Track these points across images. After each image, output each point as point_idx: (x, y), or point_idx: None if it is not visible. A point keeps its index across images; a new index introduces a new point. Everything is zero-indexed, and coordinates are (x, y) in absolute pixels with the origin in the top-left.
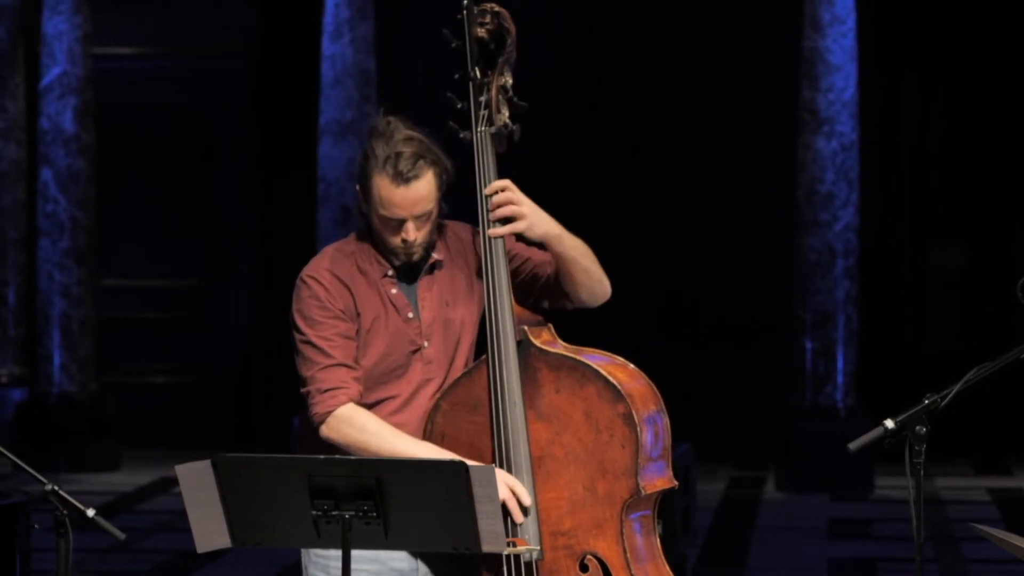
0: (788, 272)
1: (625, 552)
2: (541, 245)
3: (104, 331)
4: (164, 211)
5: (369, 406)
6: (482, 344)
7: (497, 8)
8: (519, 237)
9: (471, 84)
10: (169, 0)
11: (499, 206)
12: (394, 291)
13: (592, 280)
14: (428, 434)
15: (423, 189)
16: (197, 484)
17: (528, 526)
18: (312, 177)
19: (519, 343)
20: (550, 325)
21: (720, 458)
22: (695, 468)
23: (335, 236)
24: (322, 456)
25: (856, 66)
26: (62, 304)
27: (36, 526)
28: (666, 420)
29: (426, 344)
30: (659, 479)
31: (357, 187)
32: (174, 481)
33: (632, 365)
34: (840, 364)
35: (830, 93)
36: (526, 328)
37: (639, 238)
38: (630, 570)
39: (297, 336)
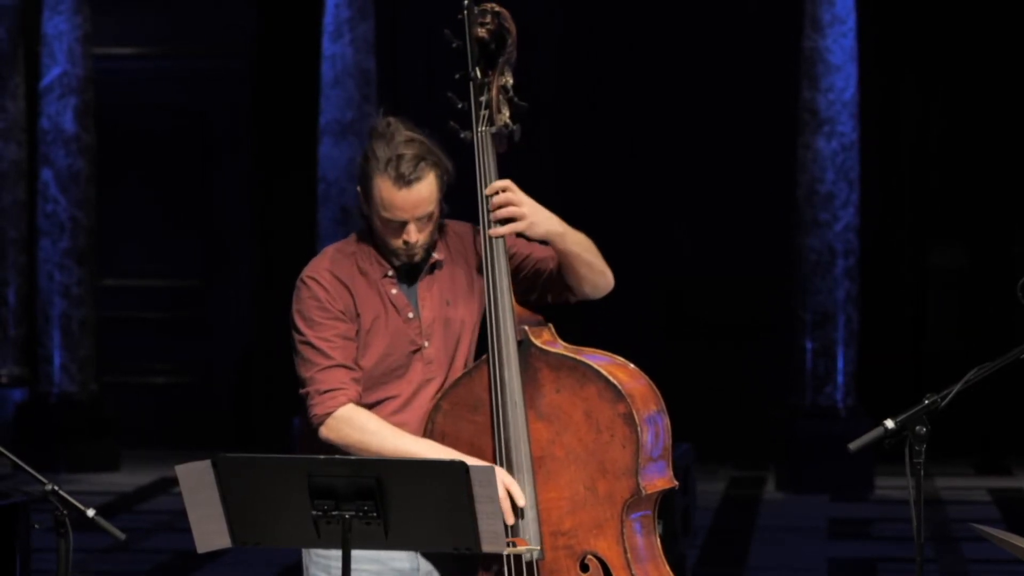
0: (788, 272)
1: (625, 552)
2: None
3: (104, 331)
4: (164, 211)
5: (369, 406)
6: (483, 344)
7: (497, 8)
8: (520, 234)
9: (471, 84)
10: (169, 0)
11: (499, 206)
12: (394, 291)
13: (595, 273)
14: (428, 434)
15: (424, 191)
16: (197, 484)
17: (528, 526)
18: (312, 177)
19: (520, 343)
20: (551, 325)
21: (720, 458)
22: (695, 468)
23: (335, 236)
24: (322, 456)
25: (856, 66)
26: (62, 304)
27: (36, 526)
28: (666, 420)
29: (426, 344)
30: (659, 479)
31: (358, 188)
32: (174, 481)
33: (632, 365)
34: (840, 364)
35: (830, 93)
36: (527, 328)
37: (639, 238)
38: (630, 570)
39: (297, 337)
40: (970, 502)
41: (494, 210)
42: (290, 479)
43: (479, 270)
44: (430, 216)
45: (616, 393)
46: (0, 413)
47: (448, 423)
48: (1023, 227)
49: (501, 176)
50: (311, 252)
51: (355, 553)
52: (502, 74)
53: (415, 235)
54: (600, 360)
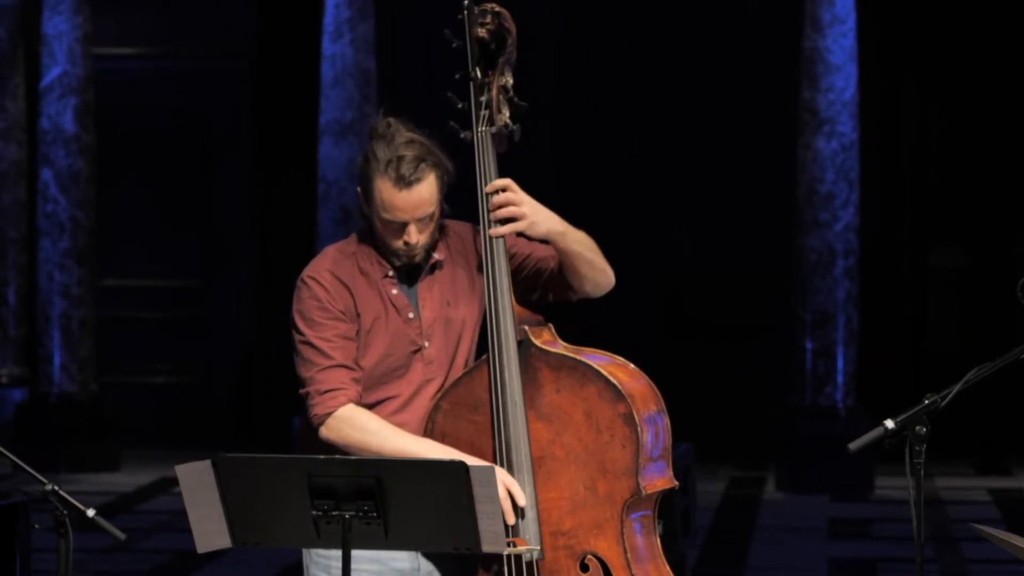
0: (788, 272)
1: (625, 552)
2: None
3: (104, 331)
4: (164, 211)
5: (370, 406)
6: (483, 344)
7: (498, 8)
8: (520, 234)
9: (472, 84)
10: (169, 0)
11: (500, 206)
12: (395, 291)
13: (596, 272)
14: (428, 434)
15: (425, 192)
16: (197, 484)
17: (528, 526)
18: (312, 177)
19: (520, 343)
20: (551, 325)
21: (720, 458)
22: (695, 468)
23: (335, 236)
24: (322, 456)
25: (856, 66)
26: (62, 304)
27: (36, 526)
28: (666, 420)
29: (427, 344)
30: (659, 479)
31: (358, 189)
32: (174, 481)
33: (632, 365)
34: (840, 364)
35: (830, 93)
36: (527, 328)
37: (639, 238)
38: (630, 570)
39: (297, 337)
40: (970, 502)
41: (494, 210)
42: (290, 479)
43: (479, 270)
44: (431, 217)
45: (616, 393)
46: (0, 413)
47: (448, 423)
48: (1023, 227)
49: (501, 176)
50: (311, 252)
51: (355, 553)
52: (502, 74)
53: (415, 236)
54: (600, 360)
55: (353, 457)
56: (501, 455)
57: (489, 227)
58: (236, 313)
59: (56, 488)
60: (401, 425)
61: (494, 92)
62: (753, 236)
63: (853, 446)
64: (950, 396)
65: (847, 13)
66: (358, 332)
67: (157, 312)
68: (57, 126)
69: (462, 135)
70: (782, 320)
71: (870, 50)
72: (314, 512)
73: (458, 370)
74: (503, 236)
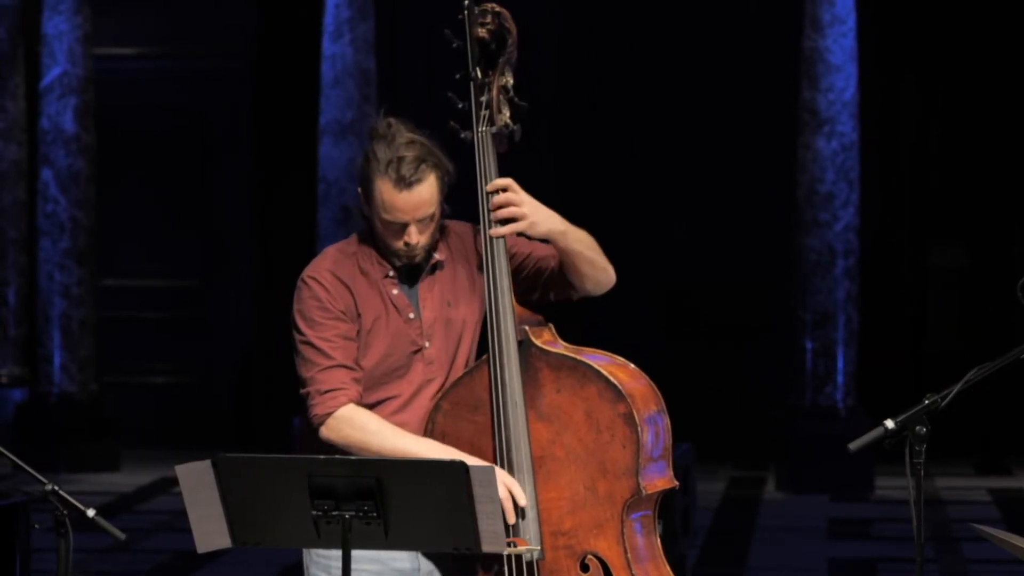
0: (788, 272)
1: (626, 552)
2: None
3: (104, 331)
4: (164, 211)
5: (370, 406)
6: (483, 344)
7: (498, 8)
8: (521, 233)
9: (472, 84)
10: (169, 0)
11: (500, 206)
12: (395, 292)
13: (597, 270)
14: (429, 434)
15: (425, 193)
16: (197, 484)
17: (529, 526)
18: (312, 177)
19: (520, 343)
20: (551, 325)
21: (720, 458)
22: (695, 468)
23: (335, 236)
24: (322, 456)
25: (856, 66)
26: (62, 304)
27: (36, 526)
28: (667, 420)
29: (427, 344)
30: (660, 479)
31: (359, 189)
32: (174, 481)
33: (633, 365)
34: (840, 364)
35: (830, 93)
36: (527, 328)
37: (639, 238)
38: (631, 570)
39: (297, 337)
40: (970, 502)
41: (495, 210)
42: (290, 479)
43: (480, 270)
44: (431, 217)
45: (616, 393)
46: (0, 413)
47: (448, 423)
48: (1023, 227)
49: (501, 176)
50: (311, 252)
51: (355, 553)
52: (502, 74)
53: (416, 236)
54: (600, 360)
55: (353, 457)
56: (501, 455)
57: (489, 227)
58: (236, 313)
59: (56, 488)
60: (401, 425)
61: (494, 92)
62: (753, 236)
63: (853, 446)
64: (950, 396)
65: (847, 13)
66: (358, 332)
67: (157, 312)
68: (57, 126)
69: (462, 135)
70: (782, 320)
71: (870, 50)
72: (314, 512)
73: (458, 370)
74: (503, 236)
